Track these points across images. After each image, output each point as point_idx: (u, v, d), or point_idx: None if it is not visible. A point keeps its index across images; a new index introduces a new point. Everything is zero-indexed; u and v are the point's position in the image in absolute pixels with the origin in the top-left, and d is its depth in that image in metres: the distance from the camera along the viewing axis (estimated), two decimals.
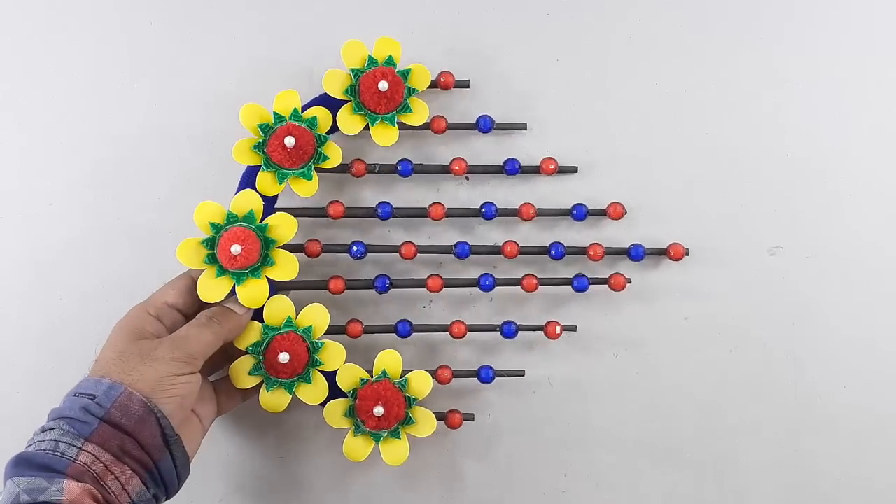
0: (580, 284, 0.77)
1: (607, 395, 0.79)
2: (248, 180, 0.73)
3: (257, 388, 0.72)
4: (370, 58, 0.73)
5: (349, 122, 0.74)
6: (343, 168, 0.75)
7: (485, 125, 0.76)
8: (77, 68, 0.78)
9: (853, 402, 0.79)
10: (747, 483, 0.80)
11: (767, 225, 0.79)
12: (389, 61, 0.73)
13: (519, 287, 0.76)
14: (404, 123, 0.74)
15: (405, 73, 0.74)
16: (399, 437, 0.73)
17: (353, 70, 0.73)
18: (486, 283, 0.76)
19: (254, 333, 0.72)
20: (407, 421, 0.73)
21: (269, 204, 0.74)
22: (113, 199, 0.78)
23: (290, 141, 0.71)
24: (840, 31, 0.79)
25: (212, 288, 0.70)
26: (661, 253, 0.78)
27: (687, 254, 0.77)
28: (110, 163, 0.78)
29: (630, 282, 0.77)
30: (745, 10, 0.79)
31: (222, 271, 0.70)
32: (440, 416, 0.75)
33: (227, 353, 0.71)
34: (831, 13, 0.79)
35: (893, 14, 0.79)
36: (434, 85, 0.75)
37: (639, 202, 0.79)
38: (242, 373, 0.72)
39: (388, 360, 0.73)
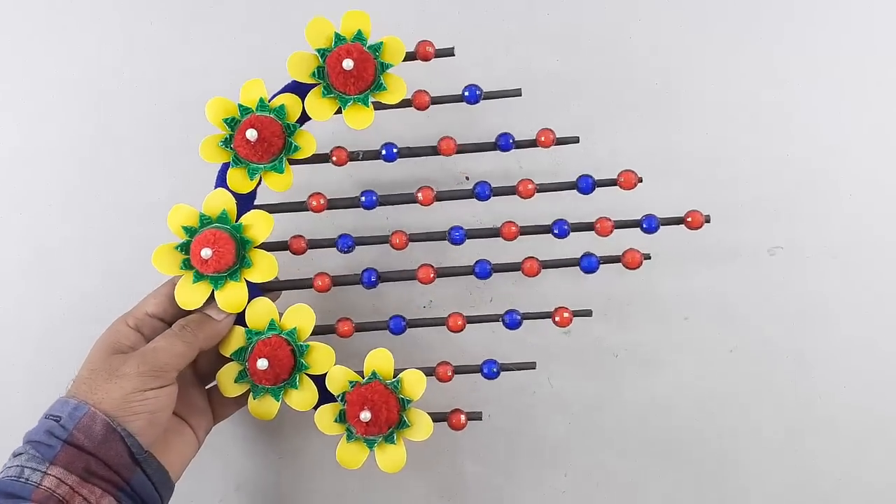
0: (589, 264, 0.53)
1: (607, 395, 0.63)
2: (223, 179, 0.53)
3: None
4: (337, 35, 0.53)
5: (318, 106, 0.53)
6: (324, 157, 0.54)
7: (472, 95, 0.53)
8: (77, 68, 0.63)
9: (853, 402, 0.62)
10: (747, 483, 0.62)
11: (767, 225, 0.62)
12: (358, 37, 0.52)
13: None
14: (381, 103, 0.53)
15: (376, 48, 0.52)
16: (394, 443, 0.52)
17: (319, 50, 0.53)
18: (482, 271, 0.53)
19: (238, 339, 0.53)
20: (401, 424, 0.52)
21: (247, 202, 0.54)
22: (113, 198, 0.62)
23: (251, 134, 0.51)
24: (840, 31, 0.63)
25: (190, 294, 0.51)
26: (679, 222, 0.54)
27: (707, 221, 0.54)
28: (110, 163, 0.63)
29: (648, 257, 0.55)
30: (745, 10, 0.63)
31: (199, 276, 0.51)
32: (441, 418, 0.54)
33: (223, 360, 0.53)
34: (831, 13, 0.63)
35: (893, 14, 0.63)
36: (414, 59, 0.53)
37: (638, 202, 0.60)
38: (229, 381, 0.53)
39: (378, 361, 0.53)
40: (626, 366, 0.62)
